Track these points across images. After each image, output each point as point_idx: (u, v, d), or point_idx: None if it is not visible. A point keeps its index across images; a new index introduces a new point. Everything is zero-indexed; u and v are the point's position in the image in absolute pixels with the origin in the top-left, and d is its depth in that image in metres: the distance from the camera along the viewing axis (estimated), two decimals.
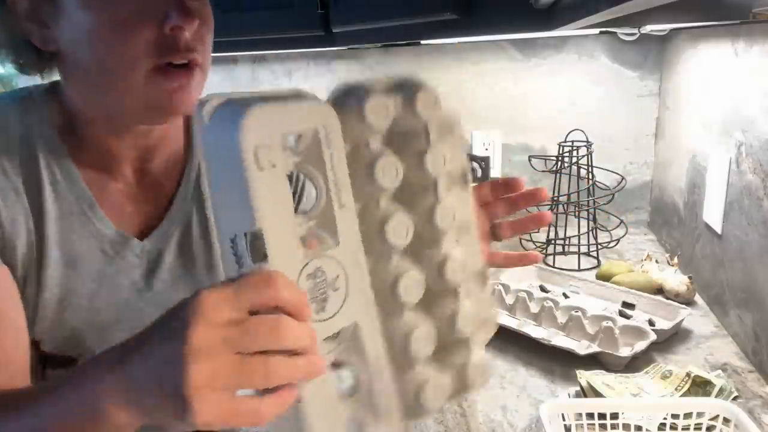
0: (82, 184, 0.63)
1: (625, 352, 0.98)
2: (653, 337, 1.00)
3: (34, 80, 0.65)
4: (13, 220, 0.59)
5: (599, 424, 0.76)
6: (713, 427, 0.74)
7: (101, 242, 0.65)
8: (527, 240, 1.58)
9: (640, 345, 0.98)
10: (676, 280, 1.22)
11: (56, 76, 0.65)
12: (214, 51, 0.65)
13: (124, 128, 0.64)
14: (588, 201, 1.47)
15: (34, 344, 0.62)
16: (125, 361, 0.41)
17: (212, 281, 0.71)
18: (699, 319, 1.14)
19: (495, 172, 1.76)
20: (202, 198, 0.71)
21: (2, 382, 0.55)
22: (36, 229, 0.61)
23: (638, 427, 0.77)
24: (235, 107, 0.40)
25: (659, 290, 1.25)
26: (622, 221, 1.57)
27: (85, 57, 0.58)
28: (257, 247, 0.40)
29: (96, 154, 0.64)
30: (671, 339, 1.07)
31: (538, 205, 1.60)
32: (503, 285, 1.21)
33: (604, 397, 0.84)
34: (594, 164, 1.47)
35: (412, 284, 0.50)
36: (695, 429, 0.75)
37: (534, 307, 1.14)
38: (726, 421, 0.73)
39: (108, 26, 0.55)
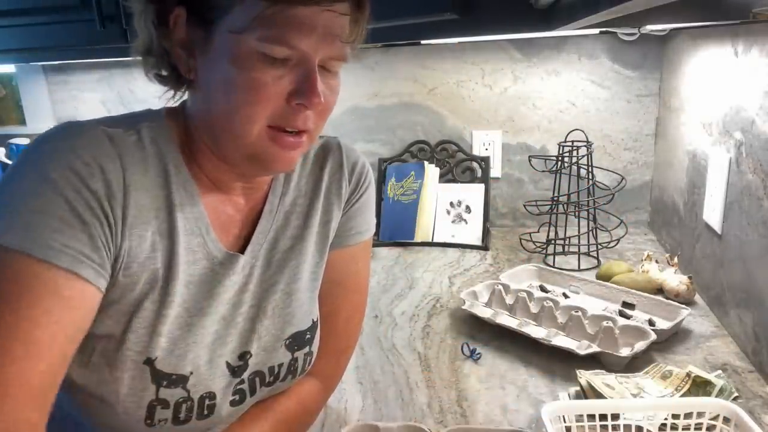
0: (202, 207, 0.66)
1: (625, 352, 0.98)
2: (653, 337, 1.00)
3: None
4: (141, 237, 0.61)
5: (600, 424, 0.76)
6: (713, 426, 0.74)
7: (212, 263, 0.68)
8: (527, 240, 1.58)
9: (640, 345, 0.99)
10: (676, 280, 1.22)
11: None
12: None
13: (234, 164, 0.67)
14: (588, 201, 1.47)
15: (149, 362, 0.63)
16: None
17: (295, 290, 0.74)
18: (699, 319, 1.15)
19: (495, 172, 1.76)
20: (286, 210, 0.75)
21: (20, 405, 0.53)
22: (167, 248, 0.63)
23: (639, 428, 0.77)
24: None
25: (659, 290, 1.25)
26: (622, 221, 1.57)
27: (214, 97, 0.61)
28: None
29: (212, 180, 0.68)
30: (671, 339, 1.07)
31: (539, 204, 1.60)
32: (503, 285, 1.21)
33: (605, 397, 0.84)
34: (594, 164, 1.47)
35: None
36: (695, 429, 0.75)
37: (534, 307, 1.14)
38: (726, 420, 0.73)
39: (243, 84, 0.58)
